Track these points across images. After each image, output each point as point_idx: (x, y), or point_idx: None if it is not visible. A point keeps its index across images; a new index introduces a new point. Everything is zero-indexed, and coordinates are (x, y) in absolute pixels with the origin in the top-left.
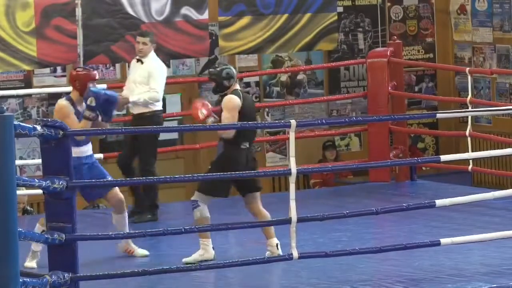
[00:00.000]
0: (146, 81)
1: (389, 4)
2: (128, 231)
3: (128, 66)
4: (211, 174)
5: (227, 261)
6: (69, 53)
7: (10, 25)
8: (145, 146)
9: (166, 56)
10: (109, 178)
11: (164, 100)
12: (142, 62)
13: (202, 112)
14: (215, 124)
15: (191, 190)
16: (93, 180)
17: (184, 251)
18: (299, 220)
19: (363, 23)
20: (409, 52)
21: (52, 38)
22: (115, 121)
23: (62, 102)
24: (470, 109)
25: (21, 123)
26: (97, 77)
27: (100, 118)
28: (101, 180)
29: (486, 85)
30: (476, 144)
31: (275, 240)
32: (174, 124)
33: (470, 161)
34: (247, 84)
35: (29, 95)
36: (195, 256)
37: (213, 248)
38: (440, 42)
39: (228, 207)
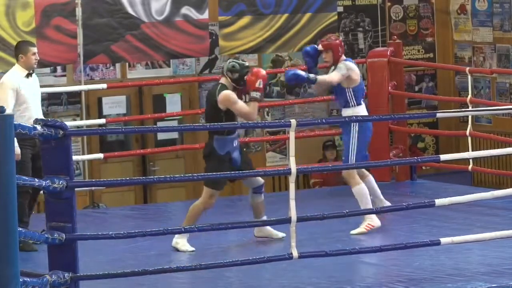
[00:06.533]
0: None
1: (389, 3)
2: (368, 199)
3: (129, 66)
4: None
5: (227, 261)
6: (69, 53)
7: (10, 25)
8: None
9: (166, 55)
10: None
11: (164, 99)
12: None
13: (259, 83)
14: (215, 124)
15: (191, 190)
16: (93, 180)
17: None
18: (299, 219)
19: (363, 23)
20: (409, 52)
21: (52, 38)
22: (113, 121)
23: (226, 91)
24: (470, 108)
25: (21, 123)
26: None
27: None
28: (102, 180)
29: (486, 85)
30: (476, 144)
31: None
32: (174, 124)
33: (470, 160)
34: None
35: None
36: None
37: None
38: (440, 42)
39: (228, 207)
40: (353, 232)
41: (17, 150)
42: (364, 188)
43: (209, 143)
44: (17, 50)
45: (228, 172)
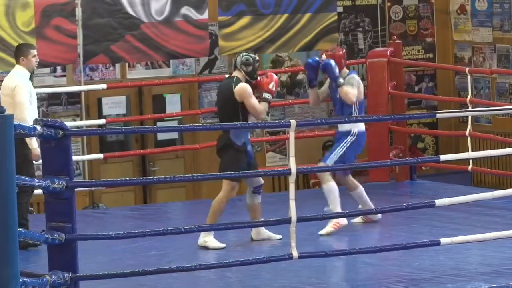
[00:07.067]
0: None
1: (389, 4)
2: (336, 197)
3: (129, 66)
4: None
5: (227, 261)
6: (69, 53)
7: (10, 25)
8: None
9: (166, 56)
10: None
11: (164, 99)
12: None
13: (273, 85)
14: (214, 124)
15: (191, 190)
16: (93, 180)
17: (185, 251)
18: (299, 219)
19: (363, 23)
20: (409, 52)
21: (52, 38)
22: (113, 121)
23: (243, 83)
24: (470, 109)
25: (21, 123)
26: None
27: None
28: (102, 180)
29: (486, 85)
30: (476, 144)
31: None
32: (174, 124)
33: (470, 161)
34: None
35: None
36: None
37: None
38: (440, 42)
39: (228, 207)
40: (321, 232)
41: (38, 151)
42: (334, 186)
43: (223, 136)
44: (18, 52)
45: (229, 172)
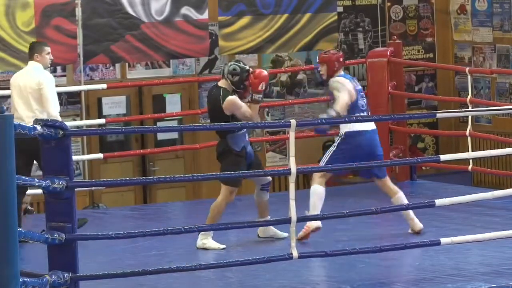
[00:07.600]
0: None
1: (389, 4)
2: (320, 202)
3: (129, 66)
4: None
5: (227, 261)
6: (69, 53)
7: (10, 25)
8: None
9: (166, 56)
10: None
11: (164, 99)
12: None
13: (262, 85)
14: (214, 124)
15: (191, 190)
16: (93, 180)
17: (185, 250)
18: (299, 219)
19: (363, 23)
20: (409, 52)
21: (52, 38)
22: (113, 121)
23: (231, 97)
24: (470, 109)
25: (21, 123)
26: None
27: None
28: (102, 180)
29: (486, 85)
30: (476, 144)
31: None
32: (174, 124)
33: (470, 161)
34: None
35: None
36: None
37: None
38: (440, 42)
39: (228, 207)
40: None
41: None
42: (322, 191)
43: (222, 142)
44: (32, 50)
45: (231, 172)
